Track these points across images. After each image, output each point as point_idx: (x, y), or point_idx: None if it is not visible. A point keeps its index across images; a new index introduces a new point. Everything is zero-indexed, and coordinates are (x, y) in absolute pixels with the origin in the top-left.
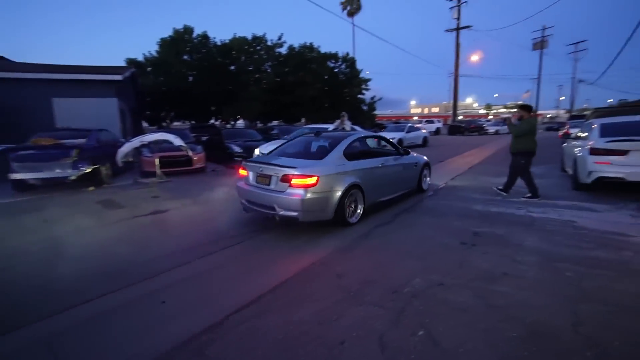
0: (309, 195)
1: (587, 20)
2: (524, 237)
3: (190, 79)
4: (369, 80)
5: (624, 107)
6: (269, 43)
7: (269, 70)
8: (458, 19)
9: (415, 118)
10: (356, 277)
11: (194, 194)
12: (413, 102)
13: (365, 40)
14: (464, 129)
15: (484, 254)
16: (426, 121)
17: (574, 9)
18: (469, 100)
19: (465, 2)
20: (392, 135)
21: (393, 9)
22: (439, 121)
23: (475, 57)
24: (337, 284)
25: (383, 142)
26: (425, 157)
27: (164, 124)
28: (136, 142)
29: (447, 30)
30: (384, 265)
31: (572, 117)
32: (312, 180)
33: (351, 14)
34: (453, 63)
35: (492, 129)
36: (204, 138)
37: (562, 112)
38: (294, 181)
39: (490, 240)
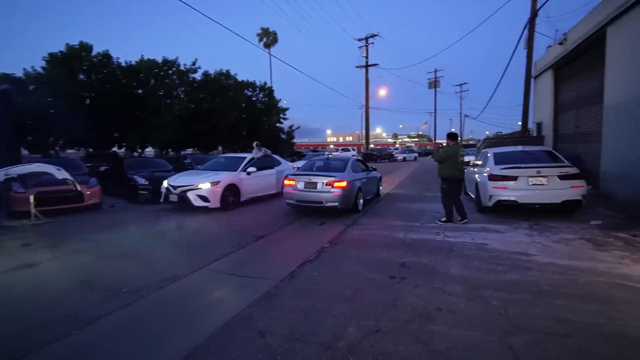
0: (343, 193)
1: (470, 65)
2: (448, 265)
3: (88, 101)
4: (286, 109)
5: (504, 138)
6: (182, 68)
7: (182, 96)
8: (366, 57)
9: (332, 146)
10: (283, 334)
11: (82, 239)
12: (329, 132)
13: (284, 72)
14: (376, 156)
15: (414, 288)
16: (342, 149)
17: (461, 56)
18: (378, 130)
19: (372, 43)
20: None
21: (309, 44)
22: (353, 149)
23: (382, 92)
24: (261, 345)
25: (362, 164)
26: (379, 174)
27: (51, 152)
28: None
29: (357, 67)
30: (314, 313)
31: (464, 146)
32: (344, 184)
33: (267, 45)
34: (364, 96)
35: (400, 156)
36: (102, 168)
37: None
38: (335, 184)
39: (418, 271)
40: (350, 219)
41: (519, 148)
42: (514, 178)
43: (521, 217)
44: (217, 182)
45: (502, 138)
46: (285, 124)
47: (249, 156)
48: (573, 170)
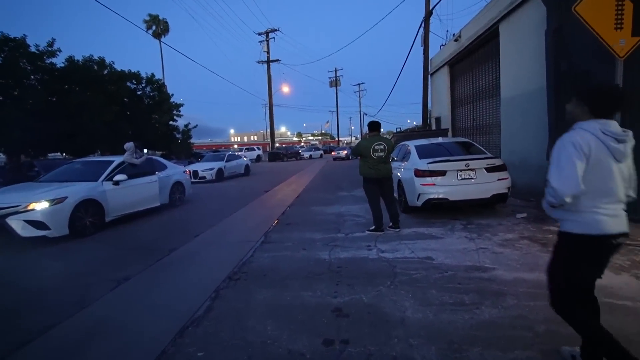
0: None
1: (369, 64)
2: (399, 303)
3: None
4: (180, 105)
5: (412, 132)
6: (32, 49)
7: (38, 87)
8: (268, 52)
9: (236, 146)
10: None
11: None
12: (232, 131)
13: (181, 67)
14: (283, 155)
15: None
16: (246, 149)
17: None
18: (283, 129)
19: (273, 38)
20: (210, 166)
21: (207, 38)
22: (259, 148)
23: (285, 89)
24: None
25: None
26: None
27: None
28: None
29: (259, 62)
30: None
31: None
32: None
33: (158, 35)
34: (267, 93)
35: (307, 155)
36: None
37: (353, 138)
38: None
39: (362, 322)
40: (260, 234)
41: (439, 140)
42: (443, 173)
43: (449, 215)
44: (63, 199)
45: (410, 132)
46: (180, 123)
47: (117, 160)
48: (499, 161)
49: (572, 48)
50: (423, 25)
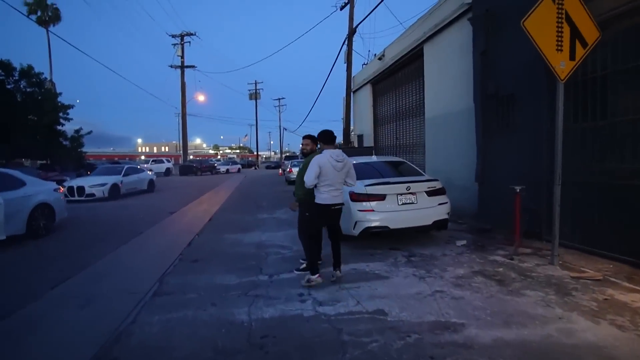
0: None
1: (290, 80)
2: None
3: None
4: (69, 107)
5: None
6: None
7: None
8: (182, 57)
9: (143, 157)
10: None
11: None
12: (140, 141)
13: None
14: (196, 168)
15: None
16: (154, 161)
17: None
18: (198, 140)
19: (189, 42)
20: (101, 180)
21: (110, 33)
22: (168, 160)
23: (201, 97)
24: None
25: None
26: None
27: None
28: None
29: (172, 67)
30: None
31: (287, 158)
32: None
33: (44, 22)
34: (180, 101)
35: (223, 168)
36: None
37: (272, 153)
38: None
39: None
40: (155, 274)
41: (373, 159)
42: (382, 197)
43: (387, 244)
44: None
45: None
46: (69, 127)
47: None
48: (438, 184)
49: (498, 71)
50: (346, 42)
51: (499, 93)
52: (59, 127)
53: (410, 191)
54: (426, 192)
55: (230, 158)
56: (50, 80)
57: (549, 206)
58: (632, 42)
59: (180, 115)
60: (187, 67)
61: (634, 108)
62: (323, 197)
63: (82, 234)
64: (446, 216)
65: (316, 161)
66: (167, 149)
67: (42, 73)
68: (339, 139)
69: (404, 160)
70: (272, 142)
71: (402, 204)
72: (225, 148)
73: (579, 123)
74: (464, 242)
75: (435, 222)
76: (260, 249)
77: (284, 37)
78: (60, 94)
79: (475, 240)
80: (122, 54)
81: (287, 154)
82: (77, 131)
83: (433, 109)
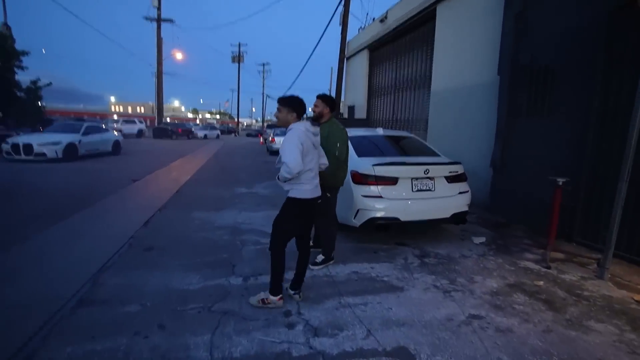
0: None
1: (275, 47)
2: None
3: None
4: (23, 53)
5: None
6: None
7: None
8: (159, 8)
9: (115, 117)
10: None
11: None
12: (113, 99)
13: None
14: (171, 132)
15: None
16: (125, 121)
17: (267, 36)
18: (176, 103)
19: None
20: (55, 138)
21: None
22: (141, 122)
23: (179, 55)
24: None
25: None
26: None
27: None
28: None
29: (147, 19)
30: None
31: (269, 126)
32: None
33: None
34: (156, 58)
35: (201, 133)
36: None
37: (254, 121)
38: None
39: None
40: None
41: (380, 132)
42: (393, 181)
43: (389, 237)
44: None
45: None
46: (26, 78)
47: None
48: (461, 168)
49: (535, 38)
50: (343, 2)
51: (535, 65)
52: (7, 76)
53: (428, 175)
54: (446, 177)
55: (209, 123)
56: (5, 24)
57: (587, 204)
58: None
59: (156, 73)
60: (164, 20)
61: None
62: (305, 188)
63: (13, 207)
64: (466, 208)
65: (296, 135)
66: (142, 110)
67: None
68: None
69: (415, 137)
70: (254, 110)
71: (417, 190)
72: (205, 112)
73: None
74: (483, 239)
75: (454, 216)
76: (234, 235)
77: None
78: (13, 39)
79: (494, 238)
80: (95, 3)
81: (269, 123)
82: (33, 82)
83: (442, 81)
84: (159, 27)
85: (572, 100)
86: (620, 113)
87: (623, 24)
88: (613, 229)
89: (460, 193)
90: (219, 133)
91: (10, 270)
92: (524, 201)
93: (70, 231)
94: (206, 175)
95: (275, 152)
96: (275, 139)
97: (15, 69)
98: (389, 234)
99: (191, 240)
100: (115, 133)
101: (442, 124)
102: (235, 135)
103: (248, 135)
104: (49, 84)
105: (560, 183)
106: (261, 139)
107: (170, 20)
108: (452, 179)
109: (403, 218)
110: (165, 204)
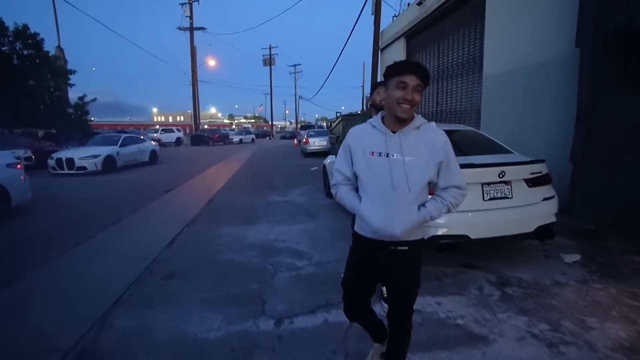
0: None
1: (306, 47)
2: None
3: None
4: (71, 72)
5: (362, 115)
6: None
7: None
8: (191, 17)
9: (158, 127)
10: None
11: None
12: (155, 110)
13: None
14: (208, 138)
15: None
16: (163, 130)
17: (297, 35)
18: (213, 110)
19: (197, 1)
20: (94, 151)
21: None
22: (179, 130)
23: (212, 62)
24: None
25: None
26: None
27: None
28: None
29: (180, 29)
30: None
31: (303, 127)
32: None
33: None
34: (190, 66)
35: (236, 138)
36: None
37: (288, 123)
38: None
39: None
40: None
41: (432, 126)
42: None
43: (452, 256)
44: None
45: (362, 115)
46: (74, 95)
47: None
48: (544, 167)
49: None
50: None
51: (632, 26)
52: (59, 94)
53: (503, 179)
54: (526, 180)
55: (244, 128)
56: (59, 47)
57: None
58: None
59: (191, 81)
60: (197, 29)
61: None
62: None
63: (45, 222)
64: (554, 219)
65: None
66: (182, 119)
67: (39, 34)
68: (360, 106)
69: (479, 131)
70: (287, 112)
71: (490, 198)
72: (240, 117)
73: None
74: (577, 257)
75: (539, 229)
76: (266, 257)
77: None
78: (65, 60)
79: (590, 254)
80: (132, 19)
81: (303, 124)
82: (80, 98)
83: (497, 63)
84: (191, 36)
85: None
86: None
87: None
88: None
89: (544, 199)
90: (254, 137)
91: (13, 306)
92: (619, 202)
93: (91, 253)
94: (240, 181)
95: (311, 154)
96: (310, 139)
97: (63, 86)
98: (453, 253)
99: (217, 264)
100: (152, 143)
101: (499, 113)
102: (270, 139)
103: (282, 137)
104: (94, 100)
105: None
106: (295, 141)
107: (202, 29)
108: (534, 182)
109: (473, 235)
110: (195, 217)
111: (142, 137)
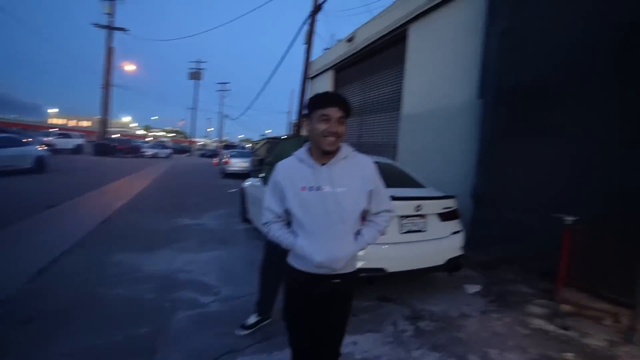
0: None
1: (235, 66)
2: None
3: None
4: None
5: (289, 139)
6: None
7: None
8: (111, 15)
9: (56, 130)
10: None
11: None
12: (55, 111)
13: None
14: (115, 149)
15: None
16: (60, 134)
17: (227, 54)
18: (126, 119)
19: None
20: None
21: None
22: (81, 136)
23: (131, 67)
24: None
25: None
26: None
27: None
28: None
29: (96, 26)
30: None
31: (226, 147)
32: None
33: None
34: (105, 68)
35: (150, 152)
36: None
37: (209, 141)
38: None
39: None
40: None
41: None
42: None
43: (372, 290)
44: None
45: (285, 138)
46: None
47: None
48: (454, 203)
49: (527, 56)
50: (309, 20)
51: (525, 84)
52: None
53: (419, 212)
54: (439, 214)
55: (160, 141)
56: None
57: (589, 245)
58: None
59: (103, 84)
60: (116, 28)
61: None
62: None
63: None
64: (462, 251)
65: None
66: (89, 124)
67: None
68: (287, 130)
69: (395, 163)
70: (212, 129)
71: (407, 231)
72: (158, 130)
73: None
74: (477, 288)
75: (449, 262)
76: (165, 292)
77: (238, 12)
78: None
79: (488, 285)
80: (42, 6)
81: (226, 143)
82: None
83: (414, 103)
84: (109, 36)
85: (575, 122)
86: None
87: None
88: None
89: (453, 233)
90: (171, 152)
91: None
92: (510, 237)
93: None
94: (146, 199)
95: (230, 175)
96: (230, 160)
97: None
98: (370, 285)
99: (99, 302)
100: (39, 147)
101: (414, 149)
102: (188, 155)
103: (202, 155)
104: None
105: (570, 222)
106: (215, 160)
107: (122, 29)
108: (445, 216)
109: (390, 268)
110: (82, 239)
111: (25, 140)
